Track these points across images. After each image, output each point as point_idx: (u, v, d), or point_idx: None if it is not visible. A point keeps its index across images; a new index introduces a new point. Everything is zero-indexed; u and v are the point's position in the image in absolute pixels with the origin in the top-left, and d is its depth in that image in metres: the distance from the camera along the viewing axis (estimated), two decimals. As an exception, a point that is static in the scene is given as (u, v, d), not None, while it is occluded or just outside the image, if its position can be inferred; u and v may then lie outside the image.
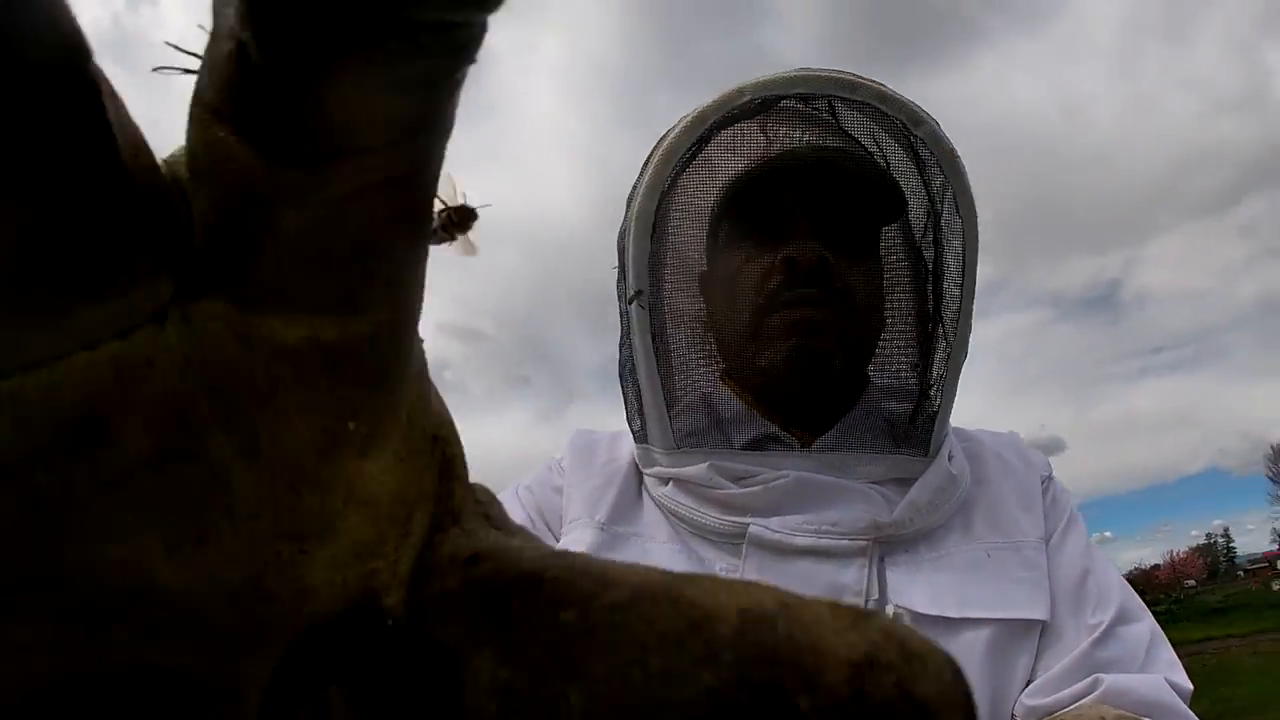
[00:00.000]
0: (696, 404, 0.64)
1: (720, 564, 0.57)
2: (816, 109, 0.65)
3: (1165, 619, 17.78)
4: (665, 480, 0.60)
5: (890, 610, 0.53)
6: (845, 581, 0.54)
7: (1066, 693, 0.52)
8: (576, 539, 0.58)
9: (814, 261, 0.58)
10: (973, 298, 0.61)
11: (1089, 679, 0.52)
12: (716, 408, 0.63)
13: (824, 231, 0.60)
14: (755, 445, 0.61)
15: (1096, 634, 0.54)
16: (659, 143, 0.62)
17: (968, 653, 0.53)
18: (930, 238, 0.65)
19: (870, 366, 0.66)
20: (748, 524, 0.56)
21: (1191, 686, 0.54)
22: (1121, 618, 0.55)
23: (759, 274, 0.60)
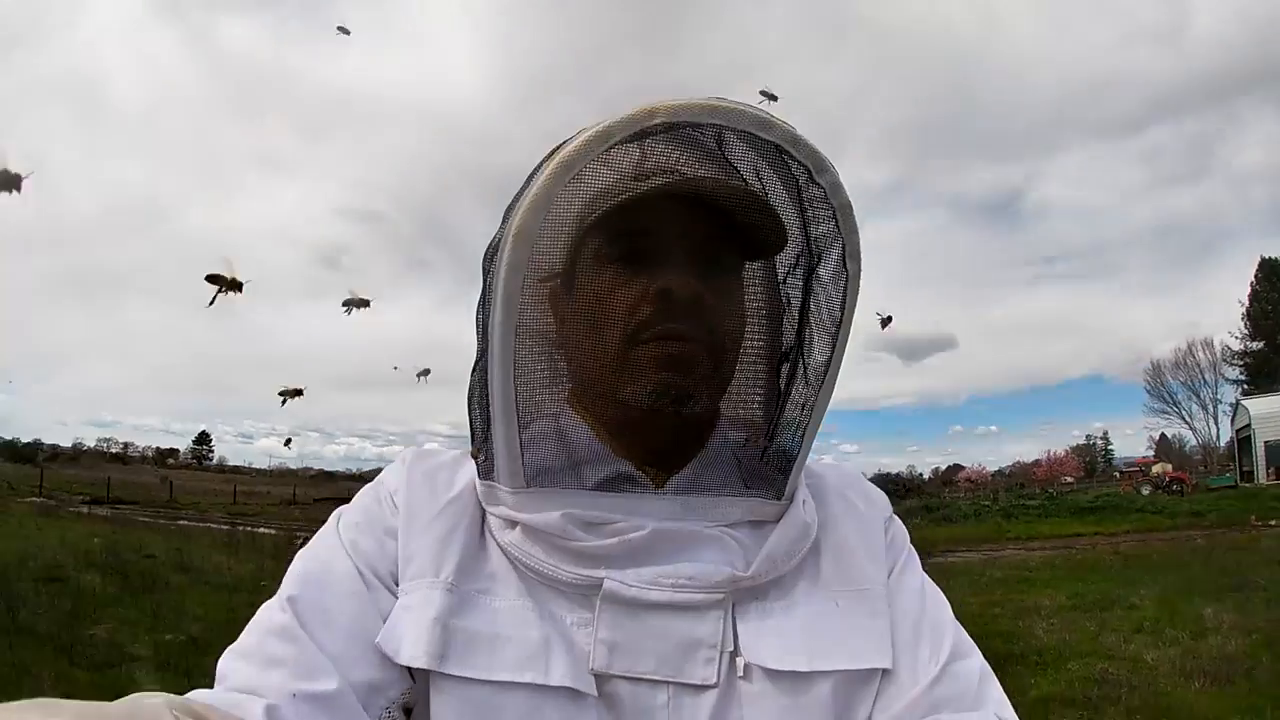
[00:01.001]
0: (546, 435, 0.60)
1: (572, 618, 0.55)
2: (706, 136, 0.61)
3: (1039, 513, 18.49)
4: (512, 523, 0.58)
5: (741, 665, 0.54)
6: (701, 635, 0.54)
7: None
8: (423, 600, 0.55)
9: (690, 295, 0.57)
10: (845, 349, 0.61)
11: None
12: (567, 439, 0.61)
13: (699, 265, 0.59)
14: (609, 485, 0.59)
15: (934, 672, 0.56)
16: (551, 154, 0.57)
17: (816, 703, 0.54)
18: (800, 281, 0.64)
19: (722, 404, 0.64)
20: (602, 577, 0.55)
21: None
22: (954, 655, 0.58)
23: (631, 300, 0.58)
